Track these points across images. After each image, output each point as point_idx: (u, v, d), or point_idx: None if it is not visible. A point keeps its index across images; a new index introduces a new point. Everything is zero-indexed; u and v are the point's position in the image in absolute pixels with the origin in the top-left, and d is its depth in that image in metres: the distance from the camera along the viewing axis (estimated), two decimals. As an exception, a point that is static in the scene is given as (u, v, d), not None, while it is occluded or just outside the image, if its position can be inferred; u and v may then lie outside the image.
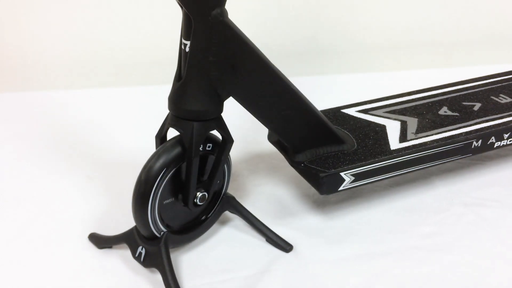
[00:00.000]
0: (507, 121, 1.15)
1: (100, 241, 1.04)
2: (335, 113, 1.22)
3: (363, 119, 1.19)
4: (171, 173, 0.92)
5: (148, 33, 1.75)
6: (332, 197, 1.18)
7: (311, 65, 1.87)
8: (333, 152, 1.06)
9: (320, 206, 1.16)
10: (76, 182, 1.24)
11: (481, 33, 2.02)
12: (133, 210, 0.92)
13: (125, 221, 1.03)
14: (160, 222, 0.94)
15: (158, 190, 0.91)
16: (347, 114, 1.21)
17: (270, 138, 1.13)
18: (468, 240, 1.05)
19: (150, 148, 0.98)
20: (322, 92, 1.67)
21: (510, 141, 1.16)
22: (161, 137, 0.96)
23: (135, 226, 0.96)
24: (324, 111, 1.22)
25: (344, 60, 1.91)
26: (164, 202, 0.94)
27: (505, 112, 1.19)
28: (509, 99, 1.25)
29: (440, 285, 0.95)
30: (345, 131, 1.14)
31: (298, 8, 1.86)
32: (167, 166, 0.90)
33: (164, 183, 0.92)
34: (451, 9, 1.96)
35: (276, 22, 1.88)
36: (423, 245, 1.04)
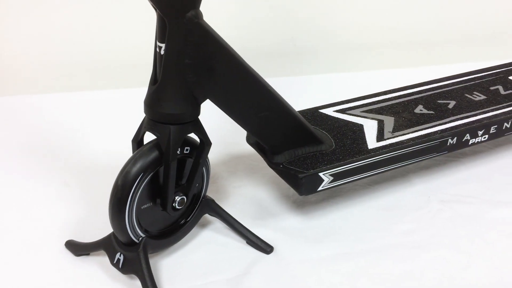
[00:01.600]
0: (481, 119, 1.17)
1: (77, 248, 1.02)
2: (313, 113, 1.22)
3: (341, 119, 1.20)
4: (148, 177, 0.91)
5: (123, 36, 1.73)
6: (311, 197, 1.19)
7: (289, 65, 1.88)
8: (311, 152, 1.06)
9: (299, 206, 1.17)
10: (52, 188, 1.22)
11: (454, 32, 2.05)
12: (110, 216, 0.91)
13: (103, 227, 1.01)
14: (138, 227, 0.93)
15: (136, 195, 0.90)
16: (325, 114, 1.22)
17: (249, 139, 1.13)
18: (445, 236, 1.07)
19: (127, 152, 0.97)
20: (300, 92, 1.68)
21: (485, 138, 1.18)
22: (137, 142, 0.95)
23: (113, 232, 0.95)
24: (302, 112, 1.22)
25: (322, 60, 1.92)
26: (142, 207, 0.93)
27: (479, 110, 1.21)
28: (482, 97, 1.28)
29: (420, 282, 0.96)
30: (323, 131, 1.14)
31: (276, 8, 1.87)
32: (144, 170, 0.89)
33: (141, 188, 0.90)
34: (426, 9, 1.99)
35: (254, 23, 1.88)
36: (402, 243, 1.05)
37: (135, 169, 0.89)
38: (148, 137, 0.92)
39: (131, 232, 0.92)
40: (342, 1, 1.91)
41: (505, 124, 1.19)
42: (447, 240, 1.06)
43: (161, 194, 0.94)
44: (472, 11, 2.05)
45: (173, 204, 0.95)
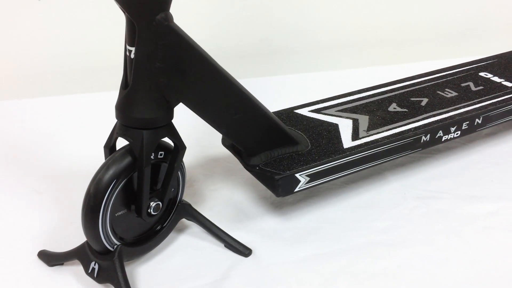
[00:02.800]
0: (453, 115, 1.19)
1: (50, 258, 0.99)
2: (288, 114, 1.22)
3: (316, 119, 1.20)
4: (121, 184, 0.89)
5: (93, 39, 1.70)
6: (289, 198, 1.18)
7: (263, 66, 1.88)
8: (287, 153, 1.06)
9: (277, 207, 1.16)
10: (23, 196, 1.18)
11: (425, 30, 2.09)
12: (83, 225, 0.89)
13: (76, 236, 0.99)
14: (113, 235, 0.91)
15: (109, 203, 0.88)
16: (300, 114, 1.22)
17: (224, 142, 1.12)
18: (422, 233, 1.08)
19: (100, 158, 0.94)
20: (274, 93, 1.68)
21: (457, 134, 1.20)
22: (110, 147, 0.93)
23: (87, 241, 0.92)
24: (277, 113, 1.22)
25: (296, 60, 1.92)
26: (116, 214, 0.91)
27: (451, 106, 1.23)
28: (454, 93, 1.30)
29: (398, 278, 0.97)
30: (299, 132, 1.14)
31: (248, 8, 1.86)
32: (117, 177, 0.87)
33: (115, 195, 0.88)
34: (396, 8, 2.02)
35: (226, 23, 1.87)
36: (380, 240, 1.06)
37: (107, 176, 0.87)
38: (121, 142, 0.91)
39: (105, 240, 0.89)
40: (313, 1, 1.92)
41: (477, 120, 1.21)
42: (423, 236, 1.07)
43: (136, 200, 0.92)
44: (442, 9, 2.09)
45: (148, 210, 0.94)
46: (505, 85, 1.34)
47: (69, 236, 1.04)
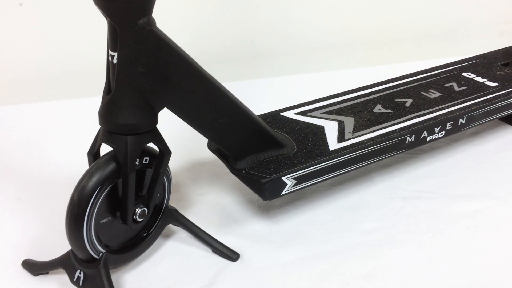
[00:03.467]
0: (437, 115, 1.20)
1: (35, 267, 0.97)
2: (274, 117, 1.22)
3: (302, 121, 1.20)
4: (106, 191, 0.88)
5: (75, 44, 1.68)
6: (276, 200, 1.18)
7: (248, 68, 1.87)
8: (273, 156, 1.05)
9: (264, 211, 1.16)
10: (6, 205, 1.16)
11: (409, 30, 2.10)
12: (67, 233, 0.87)
13: (61, 244, 0.97)
14: (98, 243, 0.89)
15: (93, 210, 0.87)
16: (285, 117, 1.22)
17: (210, 146, 1.11)
18: (408, 233, 1.09)
19: (84, 165, 0.93)
20: (260, 96, 1.68)
21: (441, 134, 1.21)
22: (93, 154, 0.91)
23: (72, 249, 0.91)
24: (262, 116, 1.22)
25: (281, 62, 1.92)
26: (101, 222, 0.90)
27: (435, 107, 1.24)
28: (438, 94, 1.31)
29: (386, 279, 0.97)
30: (285, 135, 1.14)
31: (233, 11, 1.85)
32: (101, 184, 0.86)
33: (99, 202, 0.87)
34: (380, 8, 2.03)
35: (212, 27, 1.86)
36: (367, 241, 1.06)
37: (91, 183, 0.86)
38: (105, 149, 0.89)
39: (90, 248, 0.88)
40: (298, 3, 1.92)
41: (460, 120, 1.22)
42: (410, 236, 1.08)
43: (121, 207, 0.91)
44: (425, 10, 2.11)
45: (134, 217, 0.93)
46: (487, 85, 1.35)
47: (53, 245, 1.02)
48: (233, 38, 1.88)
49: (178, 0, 1.76)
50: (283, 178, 1.00)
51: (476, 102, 1.26)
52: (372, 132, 1.14)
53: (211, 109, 0.93)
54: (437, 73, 1.44)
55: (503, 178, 1.27)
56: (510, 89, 1.32)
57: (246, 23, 1.88)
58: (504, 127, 1.51)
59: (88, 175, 0.87)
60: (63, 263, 0.92)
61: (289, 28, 1.93)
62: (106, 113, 0.86)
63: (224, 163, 1.07)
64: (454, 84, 1.36)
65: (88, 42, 1.64)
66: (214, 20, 1.85)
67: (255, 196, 1.18)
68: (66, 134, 1.46)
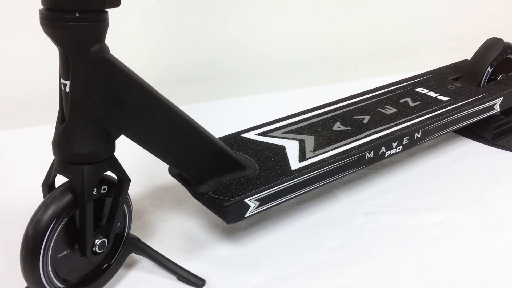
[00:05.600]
0: (394, 131, 1.23)
1: (-12, 308, 0.92)
2: (235, 139, 1.21)
3: (263, 142, 1.20)
4: (62, 223, 0.84)
5: (27, 72, 1.64)
6: (241, 223, 1.17)
7: (208, 90, 1.87)
8: (236, 179, 1.05)
9: (229, 234, 1.15)
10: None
11: (364, 49, 2.17)
12: (22, 270, 0.83)
13: (17, 281, 0.93)
14: (56, 278, 0.86)
15: (49, 244, 0.83)
16: (247, 138, 1.22)
17: (171, 171, 1.10)
18: (373, 247, 1.10)
19: (39, 197, 0.90)
20: (220, 117, 1.67)
21: (399, 149, 1.24)
22: (48, 186, 0.88)
23: (27, 286, 0.87)
24: (223, 138, 1.21)
25: (240, 82, 1.94)
26: (58, 256, 0.86)
27: (391, 123, 1.27)
28: (394, 110, 1.35)
29: (351, 297, 0.97)
30: (247, 156, 1.14)
31: (191, 33, 1.86)
32: (57, 216, 0.83)
33: (55, 235, 0.84)
34: (334, 28, 2.09)
35: (169, 49, 1.86)
36: (332, 259, 1.07)
37: (46, 216, 0.82)
38: (60, 179, 0.86)
39: (48, 284, 0.84)
40: (257, 23, 1.95)
41: (416, 134, 1.26)
42: (374, 251, 1.09)
43: (79, 239, 0.88)
44: (379, 27, 2.18)
45: (93, 249, 0.89)
46: (440, 99, 1.40)
47: (8, 281, 0.97)
48: (192, 60, 1.88)
49: (134, 24, 1.75)
50: (246, 200, 1.00)
51: (430, 117, 1.30)
52: (332, 150, 1.16)
53: (169, 133, 0.92)
54: (392, 89, 1.49)
55: (461, 189, 1.31)
56: (461, 103, 1.37)
57: (204, 44, 1.88)
58: (459, 139, 1.57)
59: (43, 207, 0.84)
60: (19, 301, 0.88)
61: (248, 48, 1.95)
62: (61, 143, 0.83)
63: (186, 188, 1.05)
64: (409, 100, 1.40)
65: (40, 70, 1.60)
66: (171, 42, 1.84)
67: (220, 220, 1.16)
68: (19, 166, 1.40)
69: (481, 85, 1.50)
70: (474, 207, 1.23)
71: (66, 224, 0.85)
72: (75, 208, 0.86)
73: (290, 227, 1.17)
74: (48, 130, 1.10)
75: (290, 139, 1.21)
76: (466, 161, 1.44)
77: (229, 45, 1.91)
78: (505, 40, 1.53)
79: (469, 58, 1.59)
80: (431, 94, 1.44)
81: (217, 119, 1.66)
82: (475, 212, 1.21)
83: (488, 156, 1.47)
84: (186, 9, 1.81)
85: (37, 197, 0.91)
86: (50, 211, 0.83)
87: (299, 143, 1.19)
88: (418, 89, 1.48)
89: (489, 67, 1.50)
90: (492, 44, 1.52)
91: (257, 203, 1.02)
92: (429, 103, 1.38)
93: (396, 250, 1.09)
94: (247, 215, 1.02)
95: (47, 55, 1.37)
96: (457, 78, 1.57)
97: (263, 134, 1.24)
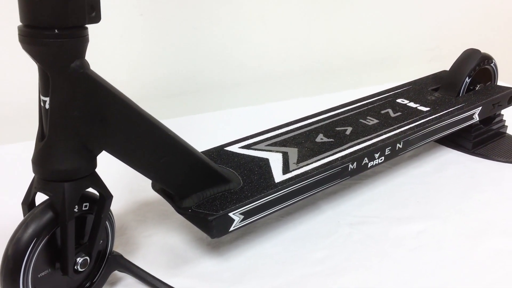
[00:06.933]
0: (376, 142, 1.24)
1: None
2: (219, 152, 1.21)
3: (247, 155, 1.20)
4: (43, 242, 0.83)
5: (6, 88, 1.61)
6: (225, 236, 1.17)
7: (190, 104, 1.87)
8: (220, 192, 1.04)
9: (214, 248, 1.14)
10: None
11: (345, 60, 2.19)
12: (2, 291, 0.82)
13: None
14: (36, 298, 0.84)
15: (30, 264, 0.81)
16: (230, 151, 1.22)
17: (154, 186, 1.09)
18: (357, 259, 1.10)
19: (19, 216, 0.88)
20: (204, 131, 1.67)
21: (381, 160, 1.25)
22: (28, 204, 0.87)
23: (7, 308, 0.85)
24: (207, 151, 1.21)
25: (223, 95, 1.94)
26: (39, 275, 0.84)
27: (373, 133, 1.28)
28: (375, 121, 1.36)
29: (337, 309, 0.97)
30: (230, 169, 1.14)
31: (172, 46, 1.86)
32: (37, 235, 0.81)
33: (36, 254, 0.82)
34: (314, 39, 2.11)
35: (151, 62, 1.85)
36: (317, 271, 1.07)
37: (26, 235, 0.81)
38: (41, 197, 0.85)
39: (28, 305, 0.82)
40: (238, 36, 1.96)
41: (398, 145, 1.27)
42: (359, 262, 1.09)
43: (60, 258, 0.86)
44: (359, 38, 2.21)
45: (75, 267, 0.88)
46: (420, 110, 1.42)
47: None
48: (174, 74, 1.88)
49: (115, 38, 1.74)
50: (230, 214, 0.99)
51: (411, 127, 1.32)
52: (315, 161, 1.16)
53: (152, 149, 0.92)
54: (373, 100, 1.50)
55: (443, 198, 1.32)
56: (441, 113, 1.39)
57: (186, 57, 1.89)
58: (440, 148, 1.59)
59: (23, 226, 0.82)
60: (-2, 324, 0.86)
61: (230, 61, 1.96)
62: (41, 160, 0.82)
63: (170, 203, 1.05)
64: (390, 111, 1.42)
65: (19, 86, 1.58)
66: (153, 56, 1.84)
67: (204, 234, 1.15)
68: (2, 181, 1.38)
69: (460, 95, 1.53)
70: (456, 216, 1.25)
71: (47, 243, 0.84)
72: (56, 226, 0.84)
73: (275, 240, 1.17)
74: (27, 147, 1.08)
75: (274, 151, 1.21)
76: (447, 170, 1.46)
77: (212, 58, 1.92)
78: (482, 51, 1.56)
79: (447, 68, 1.62)
80: (412, 104, 1.46)
81: (201, 132, 1.66)
82: (457, 220, 1.23)
83: (468, 165, 1.49)
84: (168, 23, 1.81)
85: (17, 216, 0.90)
86: (30, 230, 0.81)
87: (283, 155, 1.19)
88: (398, 100, 1.50)
89: (467, 78, 1.53)
90: (470, 55, 1.56)
91: (242, 216, 1.01)
92: (409, 114, 1.40)
93: (381, 261, 1.09)
94: (231, 229, 1.01)
95: (26, 71, 1.36)
96: (436, 89, 1.60)
97: (247, 147, 1.24)
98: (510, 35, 2.58)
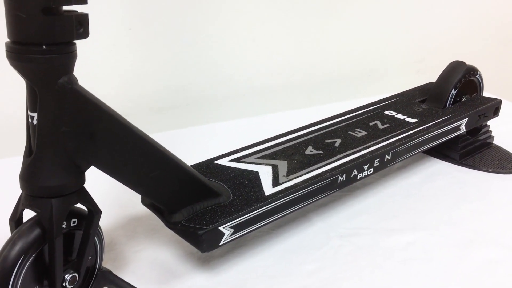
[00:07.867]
0: (364, 154, 1.25)
1: None
2: (208, 165, 1.21)
3: (237, 168, 1.20)
4: (31, 259, 0.82)
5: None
6: (216, 250, 1.16)
7: (180, 117, 1.87)
8: (209, 206, 1.04)
9: (205, 262, 1.13)
10: None
11: (332, 73, 2.22)
12: (-12, 310, 0.80)
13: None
14: (23, 317, 0.82)
15: (17, 281, 0.80)
16: (220, 165, 1.22)
17: (143, 201, 1.08)
18: (348, 271, 1.10)
19: (6, 233, 0.87)
20: (193, 144, 1.67)
21: (370, 171, 1.26)
22: (15, 221, 0.86)
23: (-7, 328, 0.83)
24: (196, 165, 1.21)
25: (212, 109, 1.95)
26: (27, 293, 0.83)
27: (362, 145, 1.29)
28: (364, 133, 1.37)
29: (329, 322, 0.97)
30: (220, 183, 1.13)
31: (165, 60, 1.87)
32: (24, 252, 0.80)
33: (23, 272, 0.81)
34: (301, 52, 2.13)
35: (142, 77, 1.86)
36: (309, 284, 1.06)
37: (13, 252, 0.80)
38: (28, 214, 0.84)
39: (15, 324, 0.81)
40: (226, 49, 1.97)
41: (386, 156, 1.28)
42: (350, 274, 1.09)
43: (48, 275, 0.85)
44: (347, 51, 2.24)
45: (64, 284, 0.87)
46: (408, 121, 1.44)
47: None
48: (163, 87, 1.88)
49: (104, 53, 1.75)
50: (220, 228, 0.99)
51: (399, 139, 1.33)
52: (305, 174, 1.16)
53: (141, 164, 0.92)
54: (361, 112, 1.52)
55: (431, 208, 1.33)
56: (428, 124, 1.41)
57: (176, 71, 1.89)
58: (428, 159, 1.61)
59: (10, 244, 0.81)
60: None
61: (219, 74, 1.97)
62: (28, 176, 0.82)
63: (159, 218, 1.04)
64: (378, 123, 1.44)
65: (7, 102, 1.57)
66: (142, 71, 1.84)
67: (195, 248, 1.15)
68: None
69: (447, 106, 1.55)
70: (445, 226, 1.25)
71: (35, 260, 0.83)
72: (43, 243, 0.83)
73: (266, 253, 1.16)
74: (15, 163, 1.07)
75: (263, 164, 1.22)
76: (435, 181, 1.47)
77: (201, 72, 1.93)
78: (467, 63, 1.59)
79: (434, 80, 1.64)
80: (399, 116, 1.48)
81: (190, 146, 1.66)
82: (446, 231, 1.24)
83: (456, 175, 1.51)
84: (157, 37, 1.82)
85: (4, 233, 0.88)
86: (17, 247, 0.80)
87: (272, 168, 1.20)
88: (386, 112, 1.51)
89: (453, 89, 1.55)
90: (455, 67, 1.58)
91: (232, 230, 1.01)
92: (397, 125, 1.41)
93: (372, 273, 1.09)
94: (222, 242, 1.01)
95: (14, 87, 1.35)
96: (423, 100, 1.62)
97: (236, 160, 1.24)
98: (494, 48, 2.63)
